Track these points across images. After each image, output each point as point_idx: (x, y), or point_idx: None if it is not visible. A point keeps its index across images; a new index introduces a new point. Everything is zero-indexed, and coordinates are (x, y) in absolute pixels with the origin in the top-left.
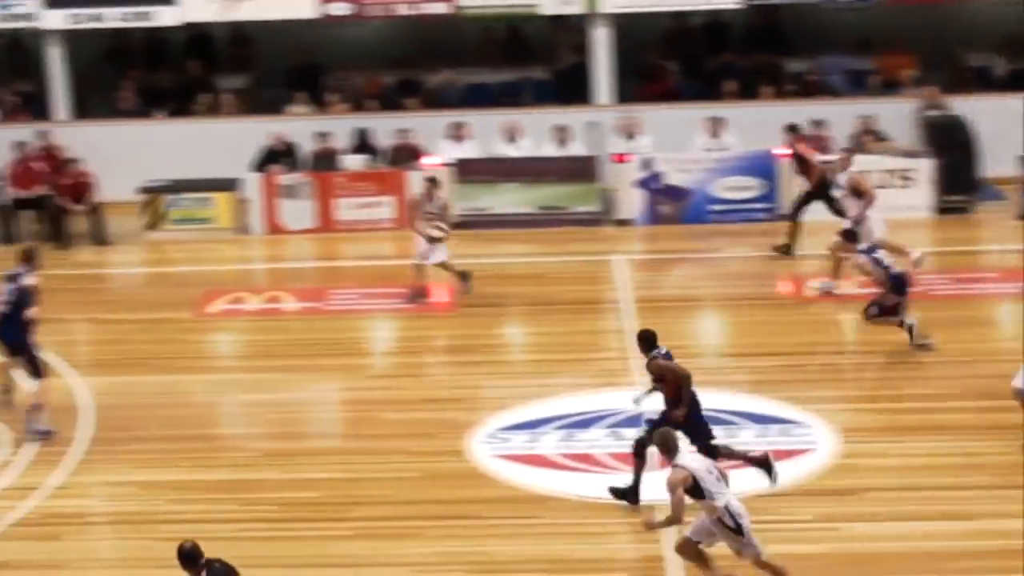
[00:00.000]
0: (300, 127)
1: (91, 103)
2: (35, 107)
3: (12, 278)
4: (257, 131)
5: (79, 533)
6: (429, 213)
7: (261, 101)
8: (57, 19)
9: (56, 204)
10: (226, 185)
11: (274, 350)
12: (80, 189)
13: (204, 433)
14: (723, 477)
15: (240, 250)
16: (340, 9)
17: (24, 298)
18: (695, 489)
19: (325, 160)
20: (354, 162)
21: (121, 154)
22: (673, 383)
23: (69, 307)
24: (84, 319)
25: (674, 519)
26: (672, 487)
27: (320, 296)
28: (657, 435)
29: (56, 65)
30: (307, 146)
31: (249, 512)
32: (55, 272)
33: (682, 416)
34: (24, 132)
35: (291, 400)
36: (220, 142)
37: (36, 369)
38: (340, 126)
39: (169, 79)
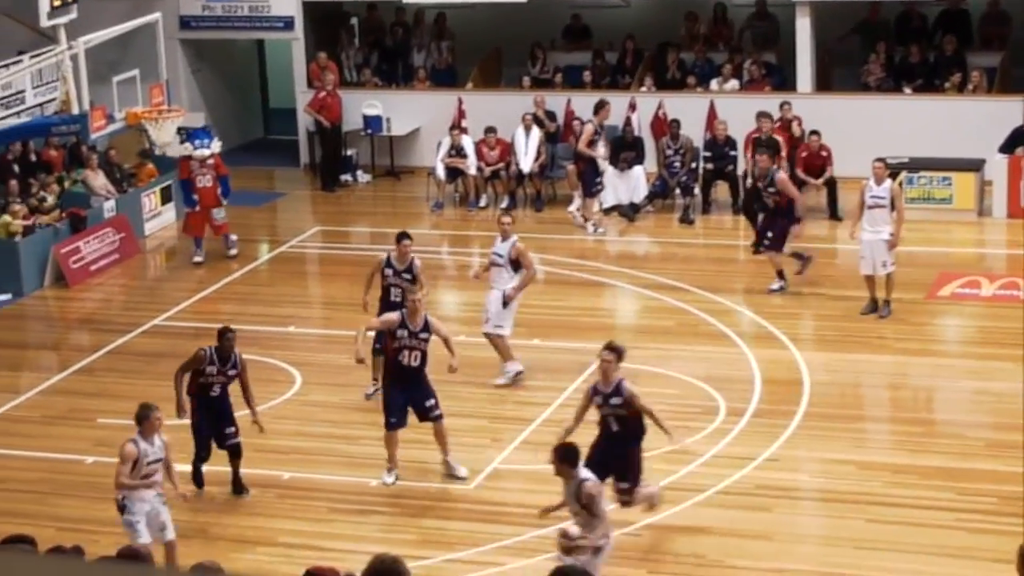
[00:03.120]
0: None
1: (835, 76)
2: (776, 77)
3: None
4: (1007, 111)
5: (789, 507)
6: None
7: (1013, 80)
8: None
9: (792, 176)
10: (969, 165)
11: (1005, 338)
12: (817, 162)
13: (924, 417)
14: None
15: (978, 233)
16: None
17: None
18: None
19: None
20: None
21: (862, 128)
22: None
23: (799, 280)
24: (813, 293)
25: None
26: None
27: None
28: None
29: (804, 36)
30: None
31: (966, 502)
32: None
33: None
34: (765, 103)
35: (1015, 391)
36: (967, 121)
37: None
38: None
39: (919, 54)
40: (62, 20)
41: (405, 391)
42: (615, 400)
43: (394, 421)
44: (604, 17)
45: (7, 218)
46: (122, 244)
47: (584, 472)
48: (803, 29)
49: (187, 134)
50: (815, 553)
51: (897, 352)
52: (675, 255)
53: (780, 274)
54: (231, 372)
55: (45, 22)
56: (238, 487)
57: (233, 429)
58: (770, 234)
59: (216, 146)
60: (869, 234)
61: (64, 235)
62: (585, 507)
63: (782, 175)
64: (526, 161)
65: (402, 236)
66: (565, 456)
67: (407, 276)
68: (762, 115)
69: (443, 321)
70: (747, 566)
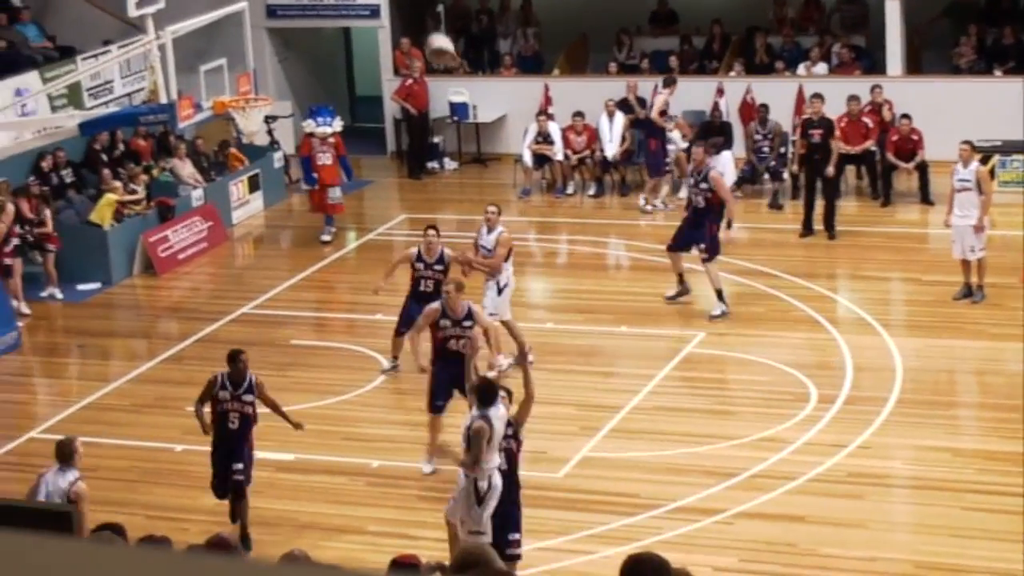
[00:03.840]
0: None
1: (926, 58)
2: (866, 61)
3: None
4: None
5: (882, 494)
6: None
7: None
8: None
9: (883, 160)
10: None
11: None
12: (908, 146)
13: (1018, 404)
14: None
15: None
16: None
17: None
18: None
19: None
20: None
21: (954, 111)
22: None
23: (891, 265)
24: (905, 278)
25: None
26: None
27: None
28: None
29: (894, 18)
30: None
31: None
32: (876, 229)
33: None
34: (854, 86)
35: None
36: None
37: None
38: None
39: (1012, 35)
40: (150, 10)
41: (451, 374)
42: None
43: (440, 404)
44: (691, 2)
45: (111, 196)
46: (210, 232)
47: (483, 411)
48: (893, 11)
49: (309, 111)
50: (909, 541)
51: (991, 337)
52: (764, 240)
53: (680, 277)
54: (246, 398)
55: (133, 12)
56: (242, 534)
57: (240, 466)
58: (703, 245)
59: (338, 124)
60: (958, 218)
61: (152, 224)
62: (469, 442)
63: (716, 172)
64: (610, 148)
65: (428, 228)
66: (481, 393)
67: (438, 268)
68: (814, 96)
69: (530, 308)
70: (840, 554)
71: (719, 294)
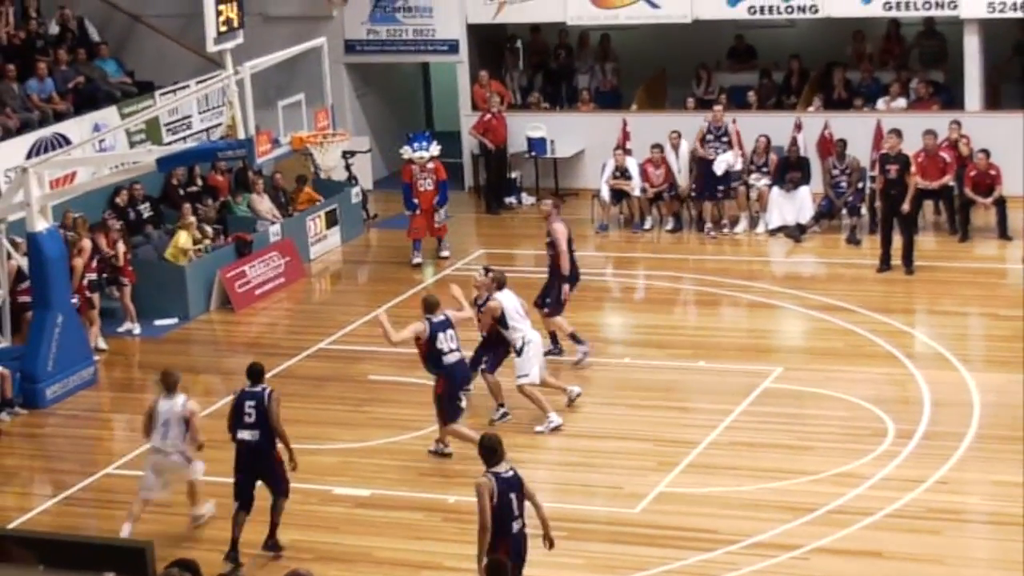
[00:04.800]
0: None
1: (1004, 92)
2: (944, 95)
3: None
4: None
5: (958, 529)
6: None
7: None
8: (978, 7)
9: (961, 195)
10: None
11: None
12: (986, 181)
13: None
14: None
15: None
16: None
17: None
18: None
19: None
20: None
21: None
22: None
23: (969, 300)
24: (983, 313)
25: None
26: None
27: None
28: None
29: (973, 54)
30: None
31: None
32: (955, 264)
33: None
34: (932, 121)
35: None
36: None
37: None
38: None
39: None
40: (228, 45)
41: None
42: None
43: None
44: (769, 37)
45: (183, 235)
46: (287, 268)
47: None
48: (971, 46)
49: (408, 138)
50: None
51: None
52: (842, 276)
53: (553, 337)
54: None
55: (211, 47)
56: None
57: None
58: (548, 299)
59: (435, 149)
60: None
61: (229, 259)
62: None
63: (559, 225)
64: (679, 178)
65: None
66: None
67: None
68: (891, 132)
69: (608, 343)
70: None
71: (553, 336)
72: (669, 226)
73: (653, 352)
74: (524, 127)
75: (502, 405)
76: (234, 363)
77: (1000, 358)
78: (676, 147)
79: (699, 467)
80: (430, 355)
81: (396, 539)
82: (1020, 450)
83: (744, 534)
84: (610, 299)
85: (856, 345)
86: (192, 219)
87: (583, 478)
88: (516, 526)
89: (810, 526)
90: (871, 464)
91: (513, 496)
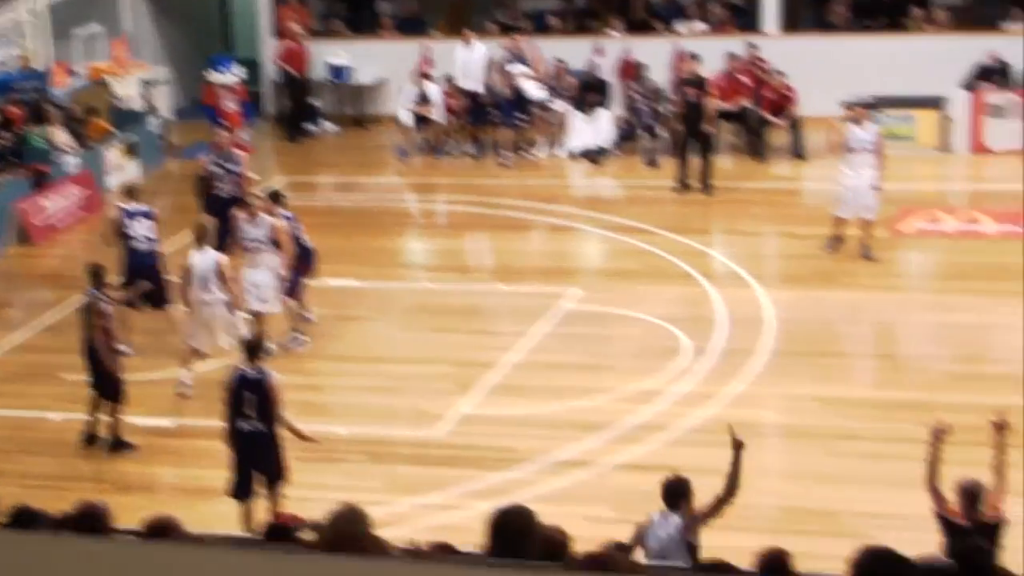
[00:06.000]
0: (1018, 45)
1: (801, 16)
2: (743, 19)
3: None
4: (970, 48)
5: (753, 442)
6: None
7: (976, 16)
8: None
9: (757, 117)
10: (930, 102)
11: (967, 272)
12: (782, 103)
13: (887, 352)
14: None
15: (940, 169)
16: None
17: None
18: None
19: None
20: None
21: (827, 68)
22: None
23: (762, 220)
24: (776, 232)
25: None
26: None
27: (1021, 220)
28: None
29: None
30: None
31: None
32: (752, 185)
33: None
34: (732, 44)
35: (979, 324)
36: (930, 58)
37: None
38: None
39: None
40: None
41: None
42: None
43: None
44: None
45: None
46: (86, 200)
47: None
48: None
49: (209, 61)
50: (779, 487)
51: (861, 288)
52: (641, 197)
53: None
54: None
55: None
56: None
57: None
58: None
59: (242, 72)
60: (854, 178)
61: (24, 191)
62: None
63: (280, 222)
64: (467, 82)
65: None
66: None
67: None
68: (689, 55)
69: (408, 268)
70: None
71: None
72: (470, 150)
73: (453, 276)
74: (325, 54)
75: (297, 330)
76: (34, 296)
77: (795, 275)
78: (468, 42)
79: (499, 388)
80: None
81: (194, 468)
82: (815, 364)
83: (544, 452)
84: (410, 224)
85: (654, 266)
86: None
87: (384, 402)
88: (246, 427)
89: (609, 443)
90: (668, 381)
91: (248, 395)
